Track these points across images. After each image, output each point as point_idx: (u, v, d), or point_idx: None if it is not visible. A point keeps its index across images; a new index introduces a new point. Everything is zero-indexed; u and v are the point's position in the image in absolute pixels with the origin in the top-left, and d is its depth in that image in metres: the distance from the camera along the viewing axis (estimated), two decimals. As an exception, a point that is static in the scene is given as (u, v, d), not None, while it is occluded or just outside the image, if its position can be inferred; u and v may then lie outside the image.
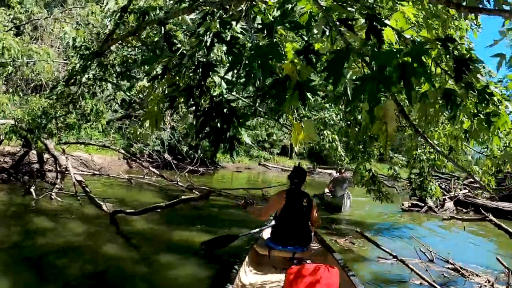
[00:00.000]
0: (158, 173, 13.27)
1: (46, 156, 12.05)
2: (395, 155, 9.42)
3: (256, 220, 6.67)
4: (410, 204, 15.58)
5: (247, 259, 5.11)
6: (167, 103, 3.22)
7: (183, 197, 7.69)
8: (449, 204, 16.63)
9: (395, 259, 6.95)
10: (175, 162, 25.76)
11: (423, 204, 15.78)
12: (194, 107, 2.94)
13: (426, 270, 7.01)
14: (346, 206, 13.73)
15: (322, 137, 8.43)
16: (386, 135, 2.08)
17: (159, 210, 8.05)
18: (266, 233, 5.95)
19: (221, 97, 2.93)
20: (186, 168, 19.45)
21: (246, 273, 4.96)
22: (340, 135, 8.30)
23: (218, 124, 2.78)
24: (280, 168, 34.30)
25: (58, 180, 10.70)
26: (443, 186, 20.69)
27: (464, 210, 16.84)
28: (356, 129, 7.70)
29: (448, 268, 7.61)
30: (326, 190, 15.12)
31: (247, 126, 2.84)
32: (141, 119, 4.02)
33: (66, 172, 10.30)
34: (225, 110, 2.81)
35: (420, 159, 8.00)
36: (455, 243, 10.70)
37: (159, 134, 23.46)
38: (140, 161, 15.07)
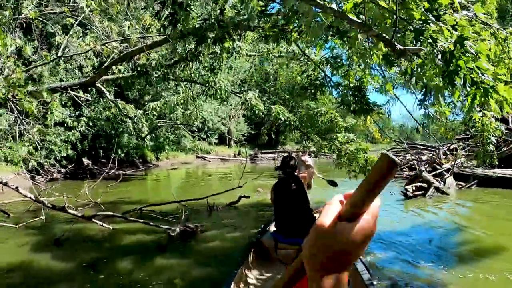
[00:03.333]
0: (28, 195, 7.27)
1: None
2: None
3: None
4: (414, 188, 10.50)
5: (252, 253, 4.49)
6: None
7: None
8: (450, 180, 11.90)
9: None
10: (96, 167, 19.96)
11: (426, 186, 10.81)
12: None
13: None
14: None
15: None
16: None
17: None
18: (273, 226, 5.07)
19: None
20: (115, 173, 13.42)
21: (252, 268, 4.33)
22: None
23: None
24: (220, 158, 31.31)
25: None
26: (424, 158, 16.19)
27: (464, 184, 12.22)
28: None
29: None
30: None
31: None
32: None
33: None
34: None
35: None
36: None
37: (67, 134, 17.18)
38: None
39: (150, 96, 22.18)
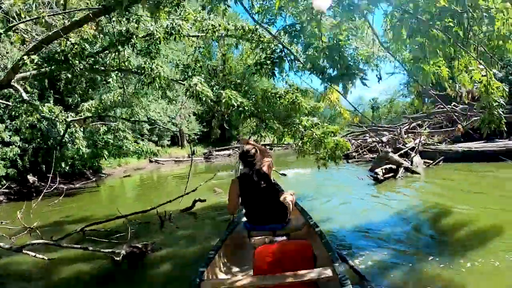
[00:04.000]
0: None
1: None
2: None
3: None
4: (384, 171, 9.80)
5: (226, 242, 4.35)
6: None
7: None
8: (416, 158, 11.35)
9: None
10: (43, 184, 18.18)
11: (395, 167, 10.16)
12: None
13: None
14: None
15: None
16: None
17: None
18: (243, 218, 4.97)
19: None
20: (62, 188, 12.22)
21: (225, 256, 4.24)
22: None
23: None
24: (173, 160, 29.78)
25: None
26: (385, 140, 15.69)
27: (431, 161, 11.74)
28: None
29: None
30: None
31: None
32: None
33: None
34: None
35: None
36: None
37: (4, 151, 15.29)
38: None
39: (93, 100, 20.51)
